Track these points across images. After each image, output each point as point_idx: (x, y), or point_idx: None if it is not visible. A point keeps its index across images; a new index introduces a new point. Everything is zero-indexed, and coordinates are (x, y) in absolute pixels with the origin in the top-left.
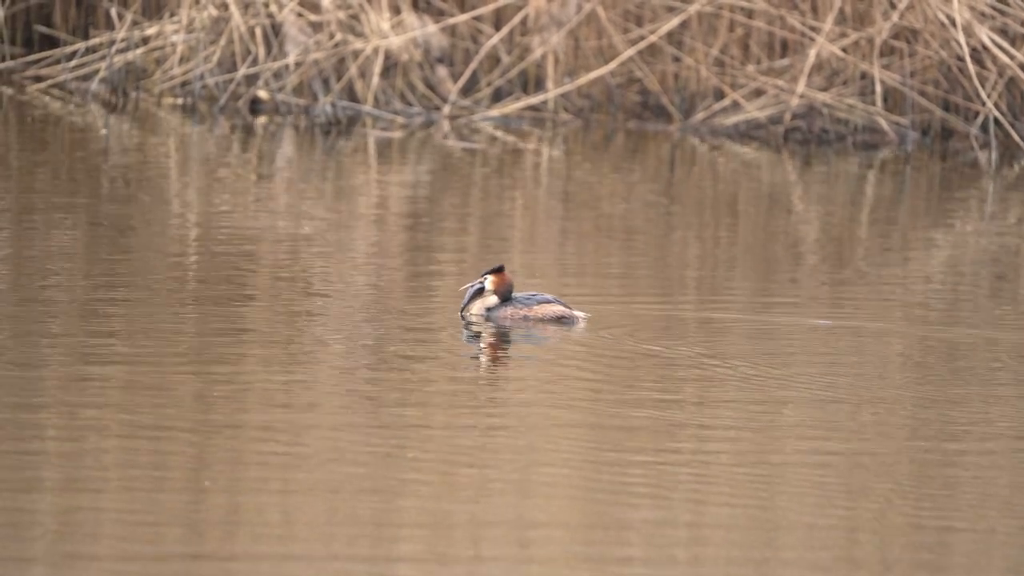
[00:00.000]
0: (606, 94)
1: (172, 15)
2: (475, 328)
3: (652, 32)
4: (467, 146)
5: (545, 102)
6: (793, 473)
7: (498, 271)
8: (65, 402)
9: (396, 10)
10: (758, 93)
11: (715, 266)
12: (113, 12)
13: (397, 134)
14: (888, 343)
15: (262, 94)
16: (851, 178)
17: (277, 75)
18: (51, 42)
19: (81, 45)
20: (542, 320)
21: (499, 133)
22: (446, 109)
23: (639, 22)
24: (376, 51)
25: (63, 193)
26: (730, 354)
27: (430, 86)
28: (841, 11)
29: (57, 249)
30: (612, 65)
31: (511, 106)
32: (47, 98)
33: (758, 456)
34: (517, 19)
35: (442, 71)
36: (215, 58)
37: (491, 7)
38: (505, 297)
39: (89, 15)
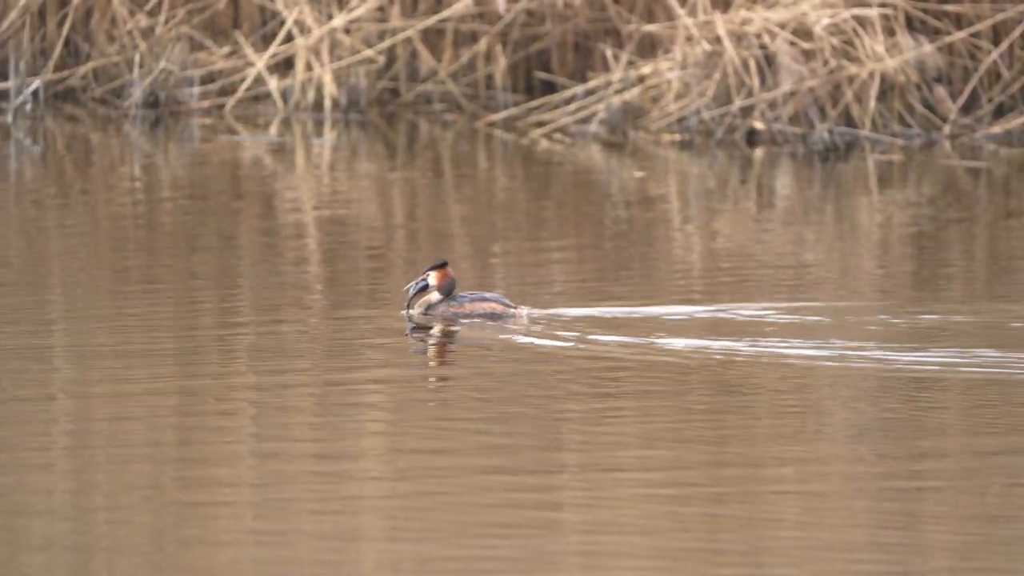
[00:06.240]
0: None
1: (666, 52)
2: (421, 325)
3: None
4: (970, 165)
5: None
6: None
7: (440, 267)
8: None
9: (890, 32)
10: None
11: None
12: (609, 54)
13: (897, 157)
14: None
15: (758, 125)
16: None
17: (772, 105)
18: (550, 87)
19: (579, 88)
20: (470, 316)
21: (1003, 150)
22: (946, 129)
23: None
24: (872, 75)
25: (569, 235)
26: None
27: (928, 106)
28: None
29: (564, 287)
30: None
31: (1014, 122)
32: (548, 142)
33: None
34: (1017, 33)
35: (940, 91)
36: (710, 92)
37: (988, 23)
38: (447, 293)
39: (586, 59)
